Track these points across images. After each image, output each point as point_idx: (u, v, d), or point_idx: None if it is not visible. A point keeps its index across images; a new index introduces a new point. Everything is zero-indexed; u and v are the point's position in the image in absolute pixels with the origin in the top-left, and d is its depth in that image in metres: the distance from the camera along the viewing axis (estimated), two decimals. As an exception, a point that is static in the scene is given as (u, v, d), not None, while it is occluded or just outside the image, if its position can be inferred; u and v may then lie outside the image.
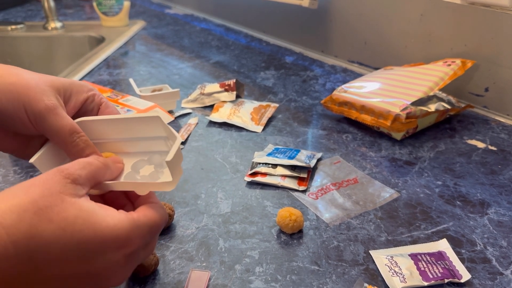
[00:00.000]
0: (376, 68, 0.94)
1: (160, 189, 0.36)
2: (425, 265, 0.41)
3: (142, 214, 0.33)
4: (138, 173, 0.39)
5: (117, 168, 0.37)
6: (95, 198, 0.38)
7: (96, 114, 0.41)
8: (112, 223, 0.30)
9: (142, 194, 0.37)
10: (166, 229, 0.47)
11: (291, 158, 0.58)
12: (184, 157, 0.62)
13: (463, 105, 0.72)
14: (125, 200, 0.39)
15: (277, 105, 0.76)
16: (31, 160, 0.37)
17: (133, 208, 0.37)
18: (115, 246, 0.30)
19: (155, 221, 0.33)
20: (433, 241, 0.46)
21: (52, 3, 1.23)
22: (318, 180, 0.56)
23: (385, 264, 0.42)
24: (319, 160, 0.61)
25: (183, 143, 0.65)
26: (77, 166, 0.32)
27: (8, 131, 0.39)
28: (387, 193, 0.54)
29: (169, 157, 0.34)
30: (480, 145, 0.66)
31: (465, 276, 0.41)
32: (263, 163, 0.58)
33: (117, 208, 0.32)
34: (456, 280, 0.40)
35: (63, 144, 0.37)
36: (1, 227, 0.26)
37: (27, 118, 0.36)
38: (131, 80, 0.77)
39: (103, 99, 0.42)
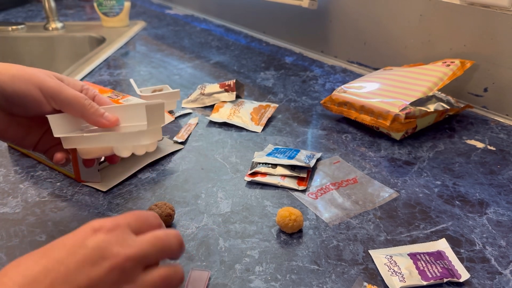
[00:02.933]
0: (376, 69, 0.94)
1: (137, 141, 0.42)
2: (424, 265, 0.42)
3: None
4: (120, 129, 0.45)
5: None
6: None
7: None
8: None
9: (123, 154, 0.44)
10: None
11: (290, 158, 0.58)
12: (184, 157, 0.62)
13: (462, 105, 0.72)
14: None
15: (277, 105, 0.76)
16: (48, 115, 0.42)
17: None
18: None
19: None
20: (432, 240, 0.46)
21: (52, 4, 1.23)
22: (318, 180, 0.56)
23: (385, 264, 0.42)
24: (318, 160, 0.61)
25: (183, 143, 0.65)
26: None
27: (12, 121, 0.43)
28: (387, 193, 0.54)
29: (148, 104, 0.40)
30: (479, 145, 0.66)
31: (464, 275, 0.41)
32: (263, 163, 0.58)
33: None
34: (455, 279, 0.40)
35: (81, 108, 0.42)
36: None
37: (42, 96, 0.41)
38: (132, 81, 0.77)
39: (95, 92, 0.46)
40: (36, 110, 0.42)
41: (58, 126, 0.44)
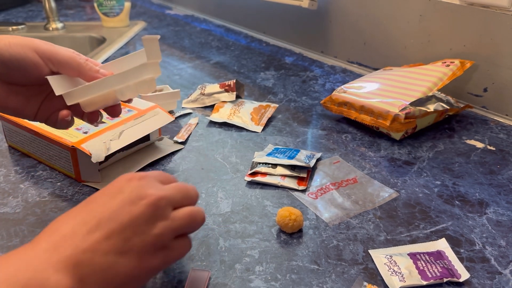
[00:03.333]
0: (376, 69, 0.94)
1: (138, 77, 0.45)
2: (424, 265, 0.42)
3: None
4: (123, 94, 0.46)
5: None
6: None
7: None
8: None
9: (127, 95, 0.46)
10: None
11: (290, 158, 0.58)
12: (184, 157, 0.62)
13: (462, 105, 0.72)
14: None
15: (277, 105, 0.76)
16: (48, 76, 0.43)
17: None
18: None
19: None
20: (432, 240, 0.46)
21: (53, 4, 1.23)
22: (318, 180, 0.57)
23: (384, 264, 0.42)
24: (318, 160, 0.61)
25: (183, 143, 0.65)
26: None
27: (11, 90, 0.44)
28: (386, 193, 0.54)
29: (146, 37, 0.43)
30: (479, 145, 0.66)
31: (464, 275, 0.41)
32: (263, 163, 0.58)
33: None
34: (455, 279, 0.40)
35: (77, 66, 0.44)
36: None
37: (39, 58, 0.42)
38: (132, 81, 0.77)
39: (88, 58, 0.47)
40: (34, 73, 0.43)
41: (59, 86, 0.44)
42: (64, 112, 0.45)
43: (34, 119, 0.47)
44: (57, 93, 0.44)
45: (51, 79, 0.43)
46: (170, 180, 0.38)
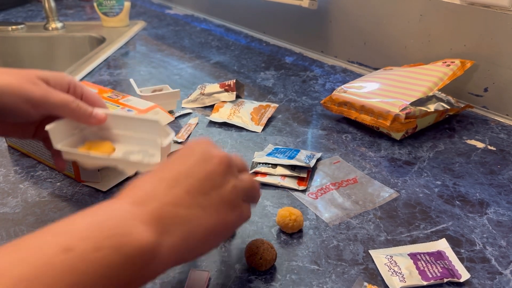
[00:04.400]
0: (376, 69, 0.94)
1: (147, 169, 0.42)
2: (424, 265, 0.42)
3: None
4: (129, 158, 0.45)
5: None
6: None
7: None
8: None
9: (130, 173, 0.45)
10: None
11: (291, 158, 0.58)
12: (184, 157, 0.62)
13: (462, 105, 0.72)
14: None
15: (277, 105, 0.76)
16: (47, 128, 0.43)
17: None
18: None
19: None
20: (432, 240, 0.46)
21: (52, 4, 1.23)
22: (318, 180, 0.56)
23: (385, 264, 0.42)
24: (318, 160, 0.61)
25: (183, 143, 0.65)
26: None
27: (7, 126, 0.46)
28: (387, 193, 0.54)
29: (164, 143, 0.40)
30: (479, 145, 0.66)
31: (464, 275, 0.41)
32: (263, 163, 0.58)
33: None
34: (455, 279, 0.40)
35: (70, 111, 0.44)
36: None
37: (31, 107, 0.42)
38: (132, 81, 0.77)
39: (83, 88, 0.47)
40: (27, 118, 0.44)
41: (58, 137, 0.45)
42: (60, 165, 0.48)
43: (32, 138, 0.49)
44: (55, 146, 0.44)
45: (51, 132, 0.44)
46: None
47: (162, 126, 0.45)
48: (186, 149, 0.37)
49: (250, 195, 0.38)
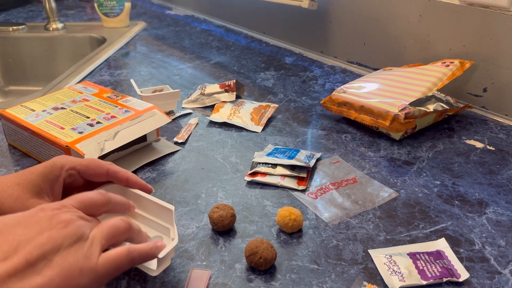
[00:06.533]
0: (375, 69, 0.94)
1: (143, 270, 0.40)
2: (423, 264, 0.42)
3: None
4: None
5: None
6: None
7: (84, 182, 0.44)
8: None
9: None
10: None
11: (290, 158, 0.58)
12: (184, 157, 0.62)
13: (461, 106, 0.73)
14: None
15: (276, 105, 0.76)
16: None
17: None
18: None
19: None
20: (431, 240, 0.46)
21: (53, 4, 1.23)
22: (318, 180, 0.57)
23: (384, 263, 0.42)
24: (318, 160, 0.61)
25: (183, 143, 0.66)
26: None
27: None
28: (386, 193, 0.54)
29: (162, 254, 0.37)
30: (479, 145, 0.66)
31: (464, 275, 0.41)
32: (263, 163, 0.58)
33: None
34: (454, 279, 0.40)
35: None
36: None
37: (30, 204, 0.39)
38: (132, 81, 0.77)
39: (80, 167, 0.42)
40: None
41: None
42: None
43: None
44: None
45: None
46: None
47: (173, 219, 0.42)
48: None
49: (115, 238, 0.34)
